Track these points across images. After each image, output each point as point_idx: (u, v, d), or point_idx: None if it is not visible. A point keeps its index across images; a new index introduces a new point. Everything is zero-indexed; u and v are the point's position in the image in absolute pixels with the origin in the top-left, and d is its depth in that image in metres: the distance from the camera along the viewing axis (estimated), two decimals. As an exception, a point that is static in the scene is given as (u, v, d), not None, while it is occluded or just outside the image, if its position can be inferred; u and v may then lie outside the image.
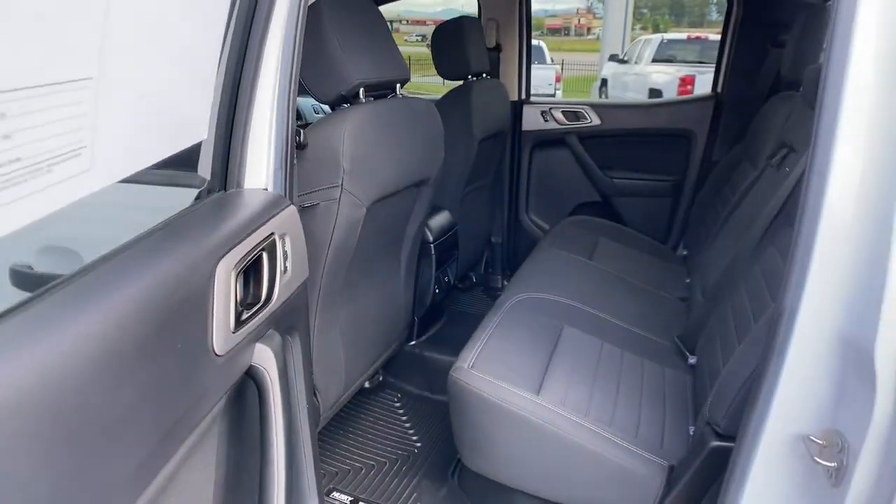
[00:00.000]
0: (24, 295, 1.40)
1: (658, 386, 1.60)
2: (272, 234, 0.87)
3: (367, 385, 2.17)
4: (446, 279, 2.34)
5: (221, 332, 0.69)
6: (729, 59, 2.71)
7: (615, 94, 11.75)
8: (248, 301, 0.79)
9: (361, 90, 1.51)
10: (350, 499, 1.70)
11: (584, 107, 2.90)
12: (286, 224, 0.93)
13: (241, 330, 0.74)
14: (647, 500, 1.30)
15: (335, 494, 1.71)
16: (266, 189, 0.99)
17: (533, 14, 2.87)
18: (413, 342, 2.24)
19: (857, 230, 0.84)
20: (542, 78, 11.59)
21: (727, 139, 2.70)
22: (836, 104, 0.84)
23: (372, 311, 1.83)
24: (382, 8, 2.36)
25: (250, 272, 0.80)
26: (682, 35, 11.90)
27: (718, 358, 1.44)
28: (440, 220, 2.24)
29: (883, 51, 0.82)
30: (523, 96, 2.92)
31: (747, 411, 0.99)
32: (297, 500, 0.94)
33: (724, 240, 1.96)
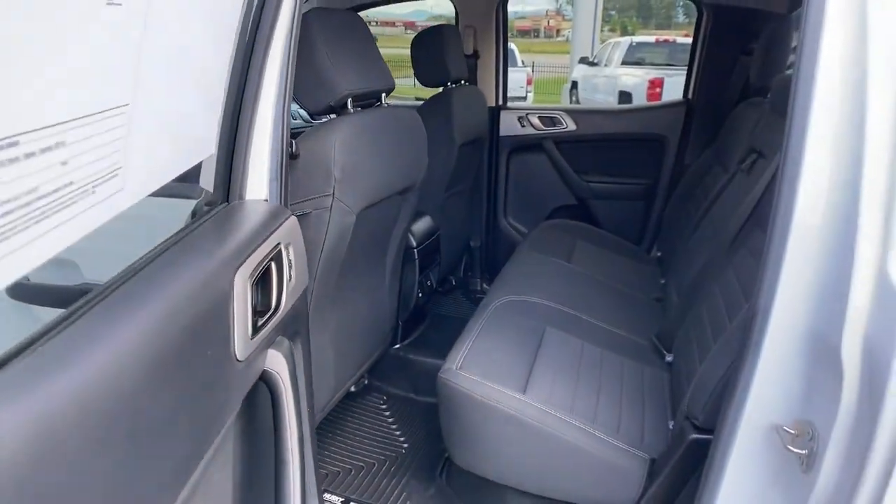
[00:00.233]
0: (21, 306, 1.41)
1: (637, 383, 1.67)
2: (278, 244, 0.90)
3: (352, 389, 2.21)
4: (429, 283, 2.39)
5: (241, 339, 0.73)
6: (699, 66, 2.81)
7: (585, 97, 11.92)
8: (260, 309, 0.82)
9: (349, 100, 1.55)
10: (341, 499, 1.74)
11: (560, 112, 2.98)
12: (289, 234, 0.97)
13: (257, 337, 0.78)
14: (630, 491, 1.36)
15: (326, 496, 1.74)
16: (266, 200, 1.03)
17: (507, 18, 2.93)
18: (397, 345, 2.29)
19: (825, 234, 0.90)
20: (514, 80, 11.64)
21: (698, 144, 2.80)
22: (805, 113, 0.90)
23: (359, 316, 1.87)
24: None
25: (260, 281, 0.84)
26: (651, 38, 12.14)
27: (695, 356, 1.51)
28: (422, 225, 2.29)
29: (849, 60, 0.88)
30: (500, 102, 2.99)
31: (724, 405, 1.06)
32: (304, 498, 0.98)
33: (697, 242, 2.04)
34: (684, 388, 1.43)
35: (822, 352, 0.91)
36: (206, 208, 0.96)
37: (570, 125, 2.96)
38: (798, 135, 0.91)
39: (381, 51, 1.74)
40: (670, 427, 1.47)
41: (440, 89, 2.51)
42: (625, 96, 10.27)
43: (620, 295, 2.21)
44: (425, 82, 2.47)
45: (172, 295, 0.62)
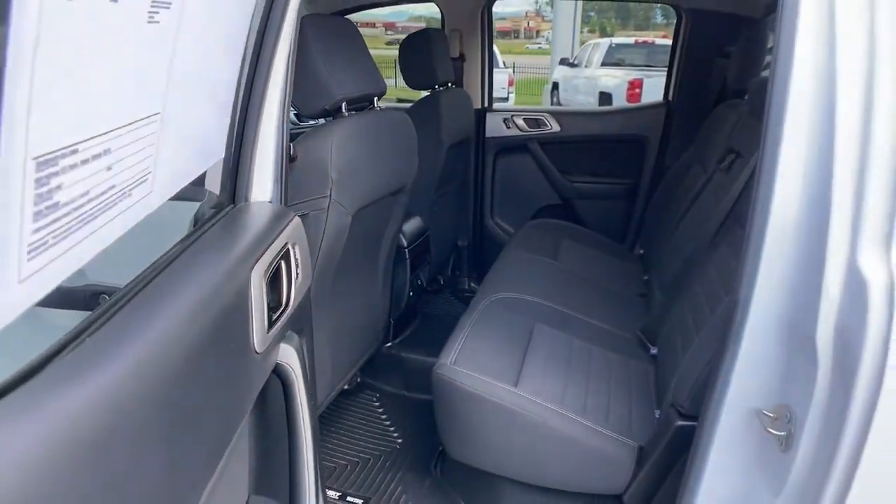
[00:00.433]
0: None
1: (624, 375, 1.73)
2: (286, 243, 0.95)
3: (346, 387, 2.25)
4: (419, 282, 2.44)
5: (259, 332, 0.77)
6: (679, 68, 2.89)
7: (566, 97, 12.04)
8: (272, 305, 0.87)
9: (343, 104, 1.59)
10: (338, 494, 1.78)
11: (544, 114, 3.04)
12: (295, 234, 1.01)
13: (272, 331, 0.83)
14: (620, 477, 1.42)
15: None
16: (270, 202, 1.07)
17: (485, 19, 2.98)
18: (389, 344, 2.33)
19: (800, 230, 0.97)
20: (496, 81, 11.70)
21: (678, 144, 2.88)
22: (780, 115, 0.96)
23: (353, 315, 1.91)
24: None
25: (271, 279, 0.88)
26: (630, 39, 12.30)
27: (678, 348, 1.58)
28: (413, 225, 2.33)
29: (820, 67, 0.94)
30: (486, 104, 3.04)
31: (708, 392, 1.12)
32: (318, 483, 1.02)
33: (679, 239, 2.11)
34: (669, 378, 1.49)
35: (798, 340, 0.98)
36: (212, 210, 1.00)
37: (554, 126, 3.02)
38: (774, 136, 0.97)
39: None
40: (657, 415, 1.53)
41: (422, 91, 2.57)
42: (605, 97, 10.40)
43: (606, 291, 2.28)
44: (414, 85, 2.52)
45: (198, 291, 0.66)
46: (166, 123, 0.64)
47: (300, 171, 1.47)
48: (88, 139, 0.47)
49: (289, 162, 1.23)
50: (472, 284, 3.11)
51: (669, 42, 3.08)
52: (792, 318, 0.98)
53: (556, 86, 12.59)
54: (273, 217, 0.97)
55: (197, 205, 1.10)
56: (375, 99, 1.79)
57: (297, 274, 0.98)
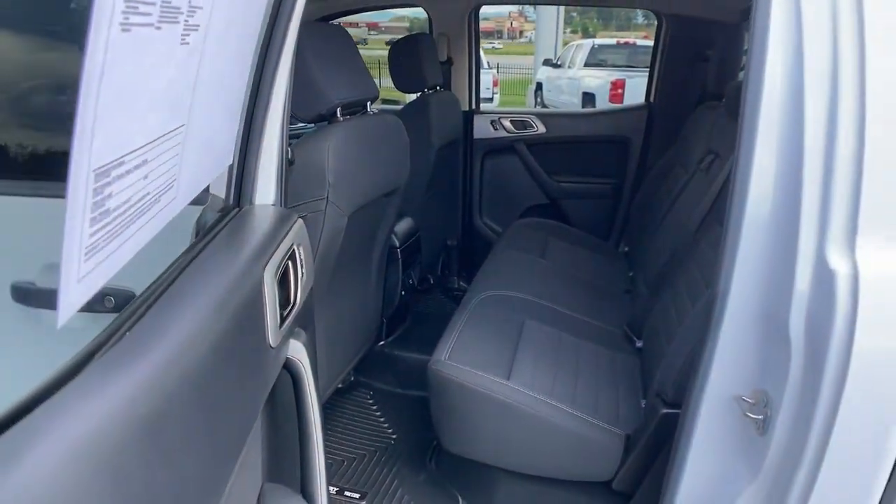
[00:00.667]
0: (28, 310, 1.47)
1: (611, 368, 1.80)
2: (292, 244, 1.00)
3: (340, 385, 2.29)
4: (411, 281, 2.49)
5: (272, 328, 0.82)
6: (660, 72, 2.98)
7: (550, 98, 12.15)
8: (281, 303, 0.92)
9: (339, 109, 1.64)
10: (335, 489, 1.83)
11: (531, 116, 3.11)
12: (299, 235, 1.06)
13: (283, 327, 0.88)
14: (609, 464, 1.49)
15: None
16: (274, 205, 1.12)
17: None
18: (382, 342, 2.38)
19: (773, 227, 1.03)
20: (481, 82, 11.84)
21: (660, 145, 2.96)
22: (753, 119, 1.03)
23: (348, 314, 1.96)
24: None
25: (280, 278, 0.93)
26: (612, 40, 12.44)
27: (662, 340, 1.65)
28: (404, 226, 2.39)
29: (789, 71, 1.01)
30: (473, 106, 3.11)
31: (690, 381, 1.19)
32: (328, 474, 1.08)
33: (662, 237, 2.19)
34: (654, 369, 1.56)
35: (772, 329, 1.05)
36: (219, 213, 1.05)
37: (540, 128, 3.10)
38: (748, 138, 1.03)
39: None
40: (642, 405, 1.60)
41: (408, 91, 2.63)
42: (588, 97, 10.52)
43: (592, 288, 2.35)
44: (403, 89, 2.58)
45: (218, 289, 0.71)
46: (189, 133, 0.70)
47: (298, 174, 1.52)
48: (131, 151, 0.52)
49: (288, 166, 1.28)
50: (462, 283, 3.17)
51: (650, 43, 3.16)
52: (767, 309, 1.05)
53: (539, 86, 12.71)
54: (279, 219, 1.02)
55: (200, 208, 1.15)
56: (369, 103, 1.84)
57: (303, 273, 1.03)
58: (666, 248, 2.05)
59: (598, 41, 12.42)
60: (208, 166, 0.86)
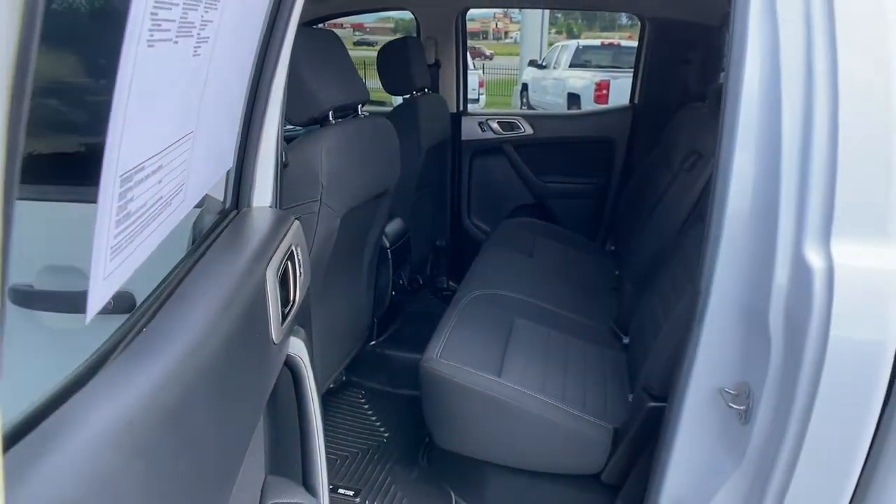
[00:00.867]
0: (27, 312, 1.49)
1: (599, 364, 1.84)
2: (291, 244, 1.03)
3: (331, 385, 2.32)
4: (401, 282, 2.52)
5: (275, 325, 0.85)
6: (643, 74, 3.03)
7: (536, 98, 12.23)
8: (281, 302, 0.95)
9: (331, 112, 1.67)
10: (329, 487, 1.85)
11: (518, 117, 3.16)
12: (297, 236, 1.09)
13: (284, 324, 0.91)
14: (598, 457, 1.53)
15: None
16: (271, 207, 1.15)
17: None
18: (373, 342, 2.41)
19: (752, 224, 1.08)
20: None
21: (644, 145, 3.01)
22: (733, 120, 1.07)
23: (340, 315, 1.99)
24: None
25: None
26: (597, 41, 12.55)
27: (648, 336, 1.69)
28: (394, 226, 2.42)
29: (766, 74, 1.05)
30: (461, 108, 3.15)
31: (675, 374, 1.23)
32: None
33: (647, 235, 2.24)
34: (640, 364, 1.61)
35: (753, 323, 1.09)
36: (218, 215, 1.08)
37: (527, 129, 3.14)
38: (727, 139, 1.08)
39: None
40: (630, 399, 1.64)
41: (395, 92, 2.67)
42: (573, 98, 10.60)
43: (580, 286, 2.40)
44: (392, 91, 2.61)
45: (225, 287, 0.74)
46: (196, 139, 0.73)
47: (292, 176, 1.55)
48: (150, 158, 0.55)
49: (282, 168, 1.31)
50: (451, 283, 3.20)
51: (634, 43, 3.21)
52: (748, 303, 1.10)
53: (525, 87, 12.78)
54: (277, 221, 1.05)
55: (197, 211, 1.17)
56: (359, 106, 1.87)
57: (301, 273, 1.06)
58: (651, 246, 2.10)
59: (583, 42, 12.51)
60: (211, 170, 0.88)
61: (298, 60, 1.57)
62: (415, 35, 3.07)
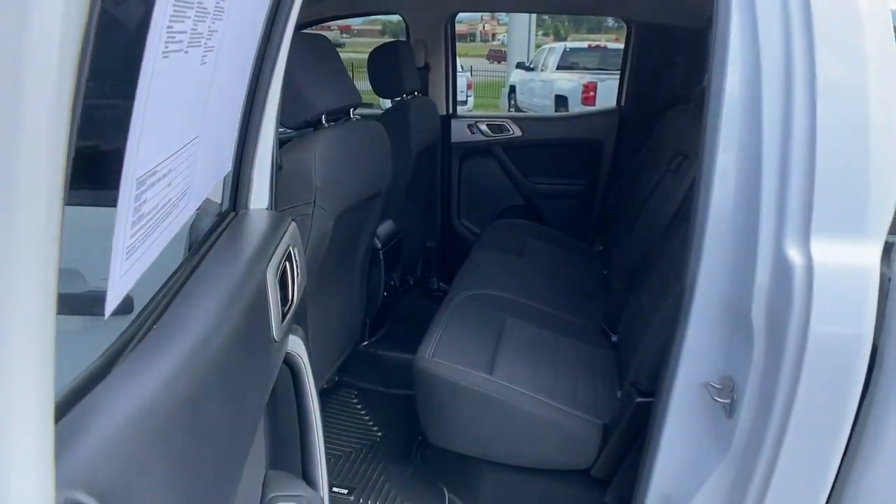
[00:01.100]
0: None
1: (589, 362, 1.88)
2: (288, 245, 1.05)
3: (324, 386, 2.34)
4: (392, 282, 2.55)
5: (276, 323, 0.88)
6: (630, 76, 3.08)
7: (523, 100, 12.29)
8: (280, 301, 0.97)
9: (324, 116, 1.70)
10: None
11: (507, 120, 3.20)
12: (294, 237, 1.12)
13: (284, 322, 0.93)
14: (588, 453, 1.57)
15: None
16: (268, 209, 1.18)
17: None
18: (366, 342, 2.43)
19: (735, 223, 1.12)
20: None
21: (631, 146, 3.06)
22: (716, 123, 1.11)
23: (333, 315, 2.01)
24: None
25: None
26: (584, 44, 12.65)
27: (637, 334, 1.73)
28: (386, 228, 2.44)
29: (748, 78, 1.09)
30: (451, 111, 3.18)
31: (662, 370, 1.27)
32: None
33: (635, 235, 2.28)
34: (629, 361, 1.64)
35: (737, 319, 1.13)
36: (217, 217, 1.10)
37: (516, 131, 3.18)
38: (711, 141, 1.12)
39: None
40: (619, 396, 1.68)
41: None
42: (561, 100, 10.68)
43: (569, 285, 2.43)
44: (383, 94, 2.64)
45: (229, 287, 0.76)
46: (200, 144, 0.75)
47: (286, 179, 1.57)
48: (161, 162, 0.58)
49: (277, 171, 1.33)
50: (441, 284, 3.23)
51: (621, 46, 3.26)
52: (731, 300, 1.13)
53: (513, 89, 12.84)
54: (275, 222, 1.07)
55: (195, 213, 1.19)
56: (352, 110, 1.90)
57: (298, 273, 1.09)
58: (639, 246, 2.14)
59: (570, 44, 12.62)
60: (213, 173, 0.91)
61: (292, 65, 1.60)
62: (404, 38, 3.10)
